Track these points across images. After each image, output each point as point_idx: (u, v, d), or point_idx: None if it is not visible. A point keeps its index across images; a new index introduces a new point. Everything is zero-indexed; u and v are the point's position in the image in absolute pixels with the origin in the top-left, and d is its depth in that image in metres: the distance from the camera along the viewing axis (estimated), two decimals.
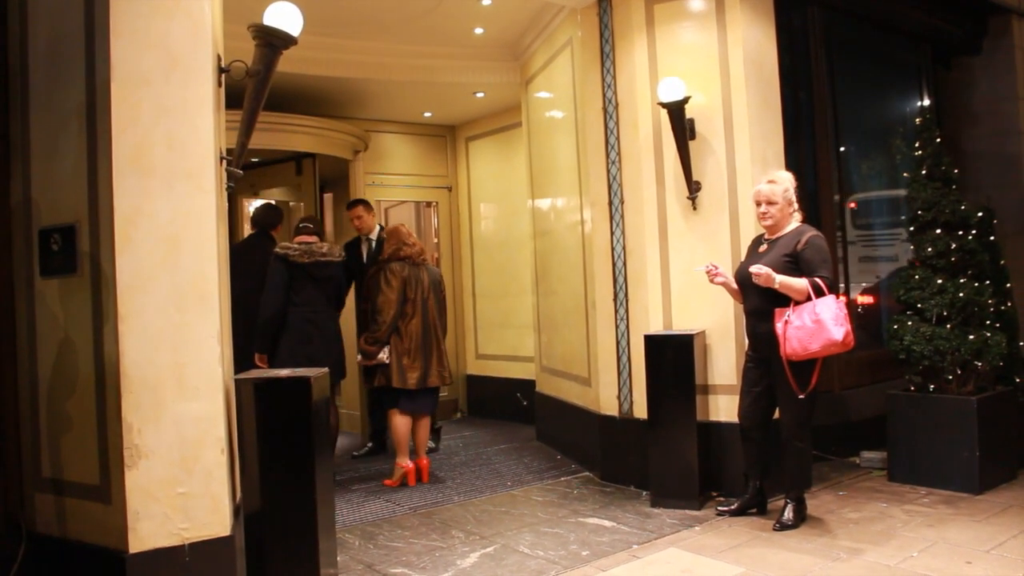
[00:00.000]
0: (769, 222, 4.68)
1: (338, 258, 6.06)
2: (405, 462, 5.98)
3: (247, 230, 7.96)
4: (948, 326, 5.37)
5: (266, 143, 6.48)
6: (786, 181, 4.71)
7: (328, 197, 8.53)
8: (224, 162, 3.72)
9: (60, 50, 3.56)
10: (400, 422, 5.98)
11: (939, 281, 5.44)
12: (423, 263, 6.18)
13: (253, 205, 8.39)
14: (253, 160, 7.43)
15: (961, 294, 5.36)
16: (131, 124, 3.29)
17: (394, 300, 5.90)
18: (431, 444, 6.97)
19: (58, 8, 3.60)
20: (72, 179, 3.49)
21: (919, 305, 5.50)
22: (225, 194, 3.83)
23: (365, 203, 7.22)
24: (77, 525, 3.54)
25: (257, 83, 3.61)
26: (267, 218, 6.76)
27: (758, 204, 4.70)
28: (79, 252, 3.47)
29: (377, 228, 7.19)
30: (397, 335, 5.96)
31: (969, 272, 5.51)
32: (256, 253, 6.26)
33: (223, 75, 3.67)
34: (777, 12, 5.59)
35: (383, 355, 5.89)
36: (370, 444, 7.18)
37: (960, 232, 5.53)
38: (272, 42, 3.57)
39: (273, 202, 8.18)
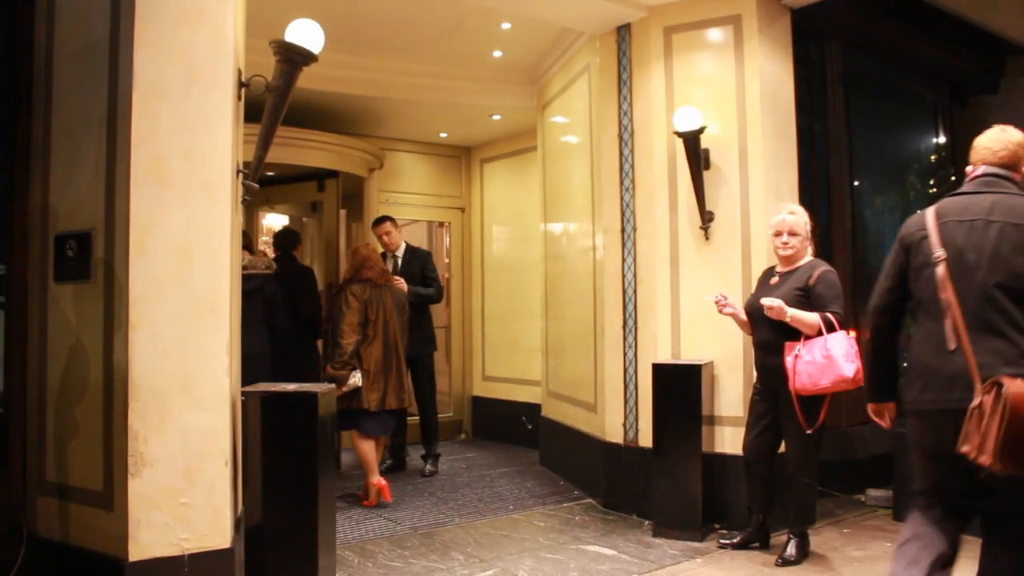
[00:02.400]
0: (790, 252, 4.66)
1: (265, 270, 5.79)
2: (376, 479, 5.94)
3: (260, 243, 8.03)
4: None
5: (283, 158, 6.52)
6: (804, 214, 4.73)
7: (342, 214, 8.56)
8: (240, 175, 3.75)
9: (85, 58, 3.60)
10: (364, 442, 5.93)
11: None
12: (386, 284, 6.15)
13: (266, 219, 8.46)
14: (269, 174, 7.47)
15: None
16: (150, 134, 3.32)
17: (355, 323, 5.85)
18: (430, 468, 6.97)
19: (84, 17, 3.65)
20: (90, 186, 3.52)
21: None
22: (241, 207, 3.86)
23: (393, 220, 7.26)
24: (78, 530, 3.54)
25: (276, 98, 3.64)
26: (287, 240, 6.98)
27: (778, 235, 4.69)
28: (94, 259, 3.49)
29: (403, 245, 7.25)
30: (357, 357, 5.90)
31: None
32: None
33: (243, 89, 3.71)
34: (795, 45, 5.61)
35: (354, 379, 5.81)
36: (389, 460, 7.16)
37: None
38: (293, 58, 3.61)
39: (287, 221, 8.31)
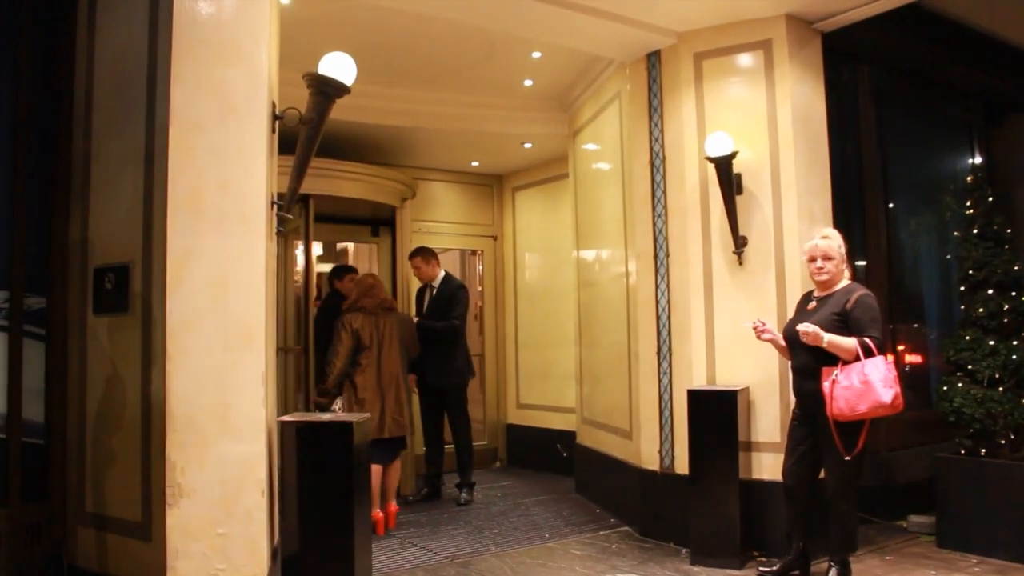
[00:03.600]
0: (825, 277, 4.62)
1: None
2: (375, 511, 5.90)
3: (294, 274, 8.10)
4: (1000, 389, 5.25)
5: (316, 189, 6.58)
6: (838, 237, 4.68)
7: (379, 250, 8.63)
8: (275, 207, 3.79)
9: (123, 94, 3.67)
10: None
11: (991, 342, 5.33)
12: (385, 312, 6.20)
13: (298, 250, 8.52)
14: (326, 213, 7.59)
15: (1014, 356, 5.24)
16: (187, 167, 3.37)
17: (343, 353, 5.92)
18: (466, 497, 6.94)
19: (123, 53, 3.72)
20: (128, 219, 3.58)
21: (970, 366, 5.39)
22: (275, 238, 3.90)
23: (423, 253, 7.26)
24: (117, 561, 3.56)
25: (310, 130, 3.68)
26: (331, 274, 7.32)
27: (812, 260, 4.65)
28: (131, 291, 3.54)
29: (441, 275, 7.25)
30: (351, 385, 5.95)
31: (1023, 334, 5.38)
32: (327, 306, 7.16)
33: (277, 121, 3.76)
34: (826, 68, 5.59)
35: (336, 406, 5.89)
36: (425, 489, 7.16)
37: (1013, 293, 5.42)
38: (326, 91, 3.65)
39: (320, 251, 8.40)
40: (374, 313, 6.13)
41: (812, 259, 4.66)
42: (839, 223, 5.38)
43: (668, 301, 5.69)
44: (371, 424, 5.84)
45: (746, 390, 5.25)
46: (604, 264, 6.86)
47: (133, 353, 3.53)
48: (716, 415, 5.04)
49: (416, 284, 7.58)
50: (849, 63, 6.36)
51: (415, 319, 7.02)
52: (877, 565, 5.01)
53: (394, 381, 6.11)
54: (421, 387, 7.11)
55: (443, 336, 7.01)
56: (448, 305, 7.09)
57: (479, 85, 7.14)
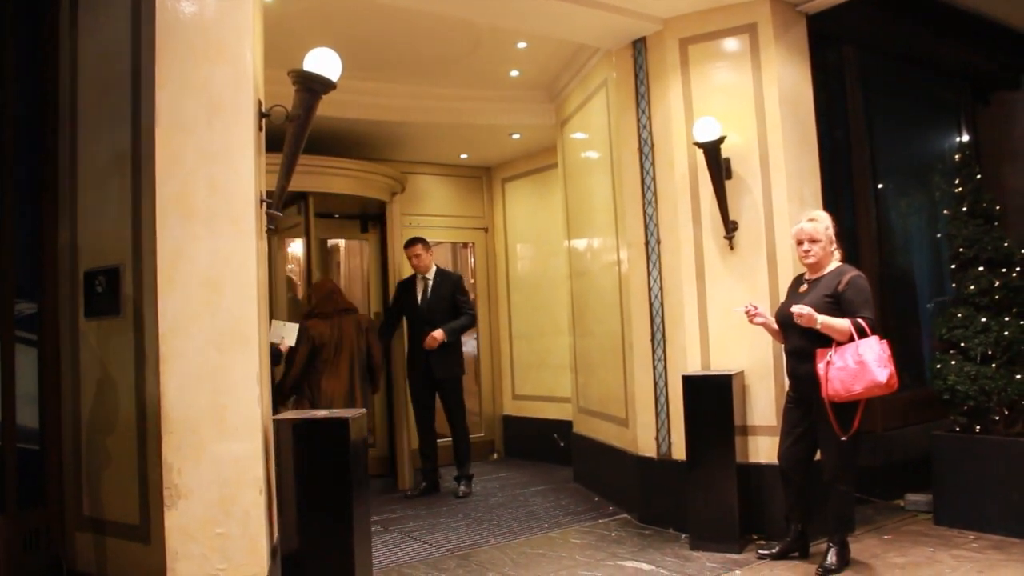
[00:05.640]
0: (812, 260, 4.63)
1: None
2: None
3: (286, 271, 8.08)
4: (993, 365, 5.27)
5: (305, 186, 6.57)
6: (826, 219, 4.68)
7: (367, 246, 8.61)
8: (264, 205, 3.78)
9: (107, 97, 3.66)
10: None
11: (983, 319, 5.35)
12: (341, 314, 6.32)
13: (291, 247, 8.50)
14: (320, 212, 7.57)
15: (1006, 332, 5.26)
16: (174, 169, 3.36)
17: (299, 360, 6.03)
18: (464, 490, 6.95)
19: (107, 56, 3.71)
20: (117, 222, 3.56)
21: (962, 344, 5.41)
22: (265, 236, 3.89)
23: (423, 241, 7.23)
24: (116, 564, 3.56)
25: (297, 127, 3.67)
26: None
27: (800, 243, 4.66)
28: (122, 294, 3.53)
29: (434, 267, 7.24)
30: (311, 388, 6.08)
31: (1014, 310, 5.40)
32: None
33: (264, 120, 3.74)
34: (812, 51, 5.59)
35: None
36: (424, 484, 7.16)
37: (1003, 269, 5.43)
38: (312, 87, 3.64)
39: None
40: (332, 317, 6.25)
41: (799, 242, 4.67)
42: (829, 205, 5.39)
43: (660, 288, 5.70)
44: None
45: (741, 374, 5.26)
46: (596, 253, 6.86)
47: (126, 356, 3.52)
48: (712, 400, 5.05)
49: (401, 277, 7.57)
50: (834, 45, 6.36)
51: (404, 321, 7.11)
52: (876, 544, 5.03)
53: (352, 381, 6.23)
54: (414, 381, 7.11)
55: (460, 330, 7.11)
56: (451, 297, 7.12)
57: (466, 77, 7.12)
